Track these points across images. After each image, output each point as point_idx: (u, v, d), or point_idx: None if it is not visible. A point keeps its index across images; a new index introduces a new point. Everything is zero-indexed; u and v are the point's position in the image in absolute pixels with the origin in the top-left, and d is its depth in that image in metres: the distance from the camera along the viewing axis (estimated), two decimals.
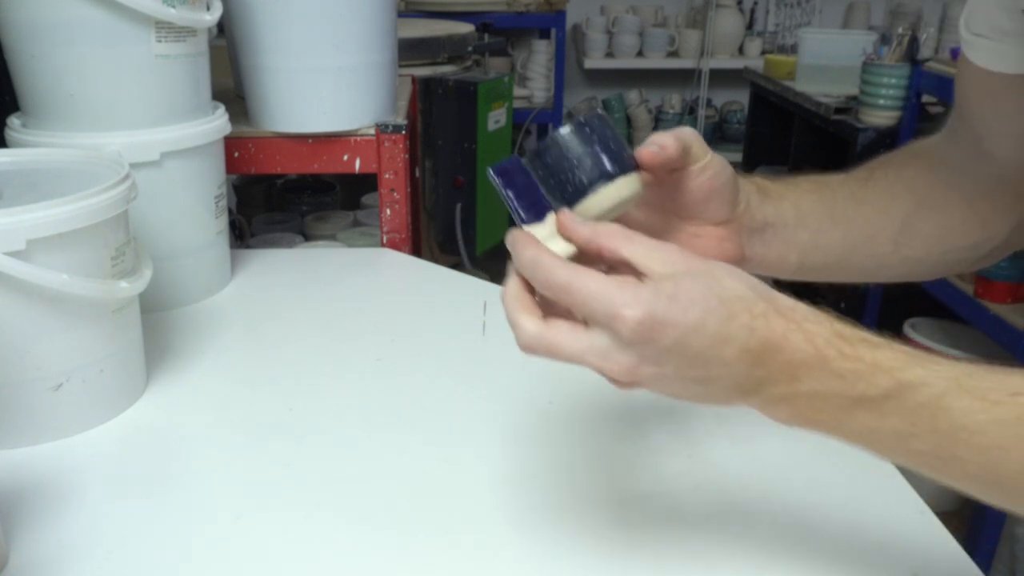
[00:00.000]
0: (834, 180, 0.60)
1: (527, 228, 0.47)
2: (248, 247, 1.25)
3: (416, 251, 1.20)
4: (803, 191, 0.58)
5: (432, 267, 1.06)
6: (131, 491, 0.61)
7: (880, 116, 2.04)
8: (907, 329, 1.81)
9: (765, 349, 0.41)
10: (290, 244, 1.32)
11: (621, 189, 0.48)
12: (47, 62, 0.79)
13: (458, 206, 1.92)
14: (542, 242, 0.45)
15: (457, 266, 1.81)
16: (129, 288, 0.68)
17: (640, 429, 0.68)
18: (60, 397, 0.65)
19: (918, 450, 0.41)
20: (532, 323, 0.43)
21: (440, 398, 0.74)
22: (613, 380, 0.43)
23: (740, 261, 0.55)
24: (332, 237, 1.37)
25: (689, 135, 0.50)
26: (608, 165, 0.47)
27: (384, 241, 1.12)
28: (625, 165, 0.48)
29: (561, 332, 0.43)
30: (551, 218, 0.48)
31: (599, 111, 0.50)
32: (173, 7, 0.80)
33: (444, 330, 0.86)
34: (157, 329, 0.83)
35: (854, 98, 2.14)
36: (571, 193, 0.47)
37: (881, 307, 1.94)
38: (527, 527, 0.57)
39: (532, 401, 0.72)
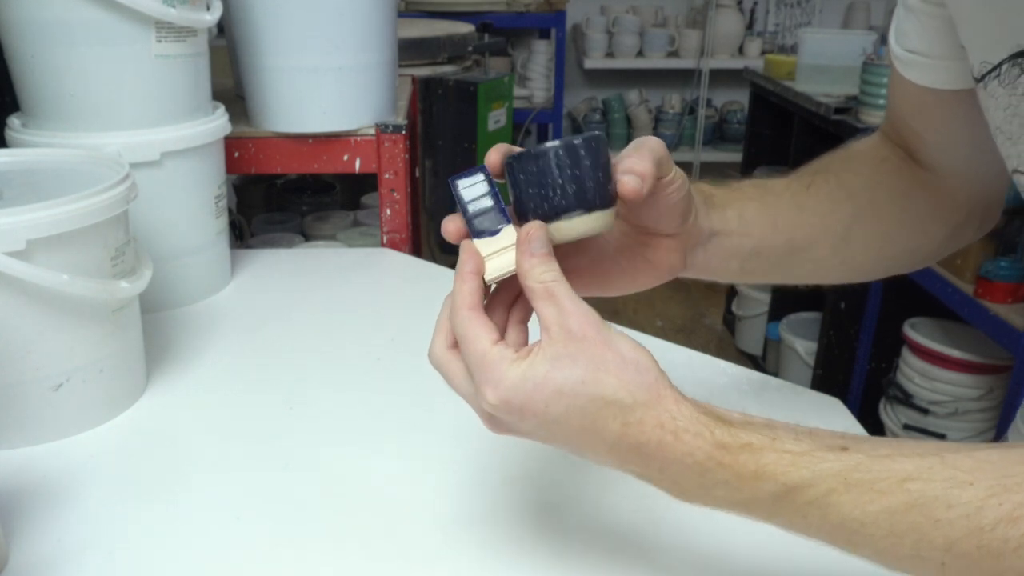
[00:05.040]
0: (778, 185, 0.60)
1: (480, 242, 0.46)
2: (248, 247, 1.25)
3: (416, 251, 1.20)
4: (747, 198, 0.58)
5: (432, 267, 1.06)
6: (131, 491, 0.61)
7: (880, 116, 2.03)
8: (907, 329, 1.81)
9: (637, 455, 0.42)
10: (290, 244, 1.31)
11: (596, 222, 0.47)
12: (47, 62, 0.79)
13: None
14: (484, 255, 0.46)
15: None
16: (129, 288, 0.68)
17: None
18: (60, 397, 0.65)
19: (816, 536, 0.41)
20: (440, 346, 0.46)
21: (440, 398, 0.74)
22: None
23: (682, 269, 0.55)
24: (332, 237, 1.37)
25: (659, 151, 0.48)
26: (592, 195, 0.46)
27: (384, 241, 1.12)
28: (607, 199, 0.47)
29: (455, 370, 0.45)
30: (506, 232, 0.46)
31: (598, 133, 0.48)
32: (173, 7, 0.80)
33: None
34: (157, 329, 0.83)
35: (854, 98, 2.13)
36: (546, 210, 0.46)
37: (881, 307, 1.94)
38: (527, 527, 0.57)
39: None
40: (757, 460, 0.40)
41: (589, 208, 0.46)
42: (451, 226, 0.47)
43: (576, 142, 0.45)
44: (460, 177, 0.47)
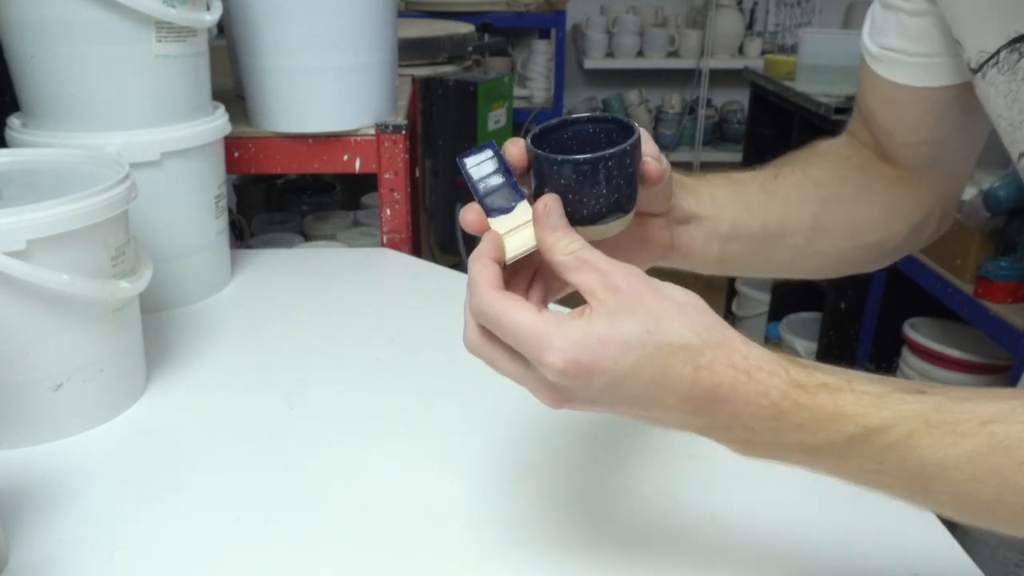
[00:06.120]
0: (745, 176, 0.60)
1: (495, 220, 0.44)
2: (248, 247, 1.25)
3: (416, 251, 1.20)
4: (716, 185, 0.58)
5: (432, 267, 1.06)
6: (131, 491, 0.61)
7: None
8: (907, 329, 1.81)
9: (710, 399, 0.40)
10: (290, 244, 1.31)
11: (621, 226, 0.46)
12: (47, 62, 0.79)
13: (458, 206, 1.92)
14: (500, 234, 0.44)
15: (457, 266, 1.80)
16: (129, 288, 0.68)
17: (641, 427, 0.68)
18: (60, 397, 0.65)
19: (888, 484, 0.40)
20: (474, 332, 0.43)
21: (440, 398, 0.74)
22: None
23: (671, 250, 0.55)
24: (332, 237, 1.37)
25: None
26: (631, 197, 0.45)
27: (384, 241, 1.12)
28: (635, 202, 0.46)
29: (498, 353, 0.42)
30: (522, 207, 0.44)
31: (633, 125, 0.45)
32: (173, 7, 0.80)
33: (444, 330, 0.86)
34: (157, 329, 0.83)
35: (854, 98, 2.14)
36: (584, 216, 0.44)
37: (881, 307, 1.94)
38: (528, 526, 0.57)
39: (532, 400, 0.72)
40: (835, 400, 0.39)
41: (626, 210, 0.45)
42: (470, 216, 0.45)
43: (626, 148, 0.43)
44: (468, 155, 0.46)
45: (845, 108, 2.13)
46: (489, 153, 0.46)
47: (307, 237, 1.39)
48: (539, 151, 0.44)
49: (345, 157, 1.07)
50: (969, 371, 1.70)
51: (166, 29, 0.81)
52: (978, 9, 0.51)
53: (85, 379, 0.66)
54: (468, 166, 0.46)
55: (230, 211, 1.19)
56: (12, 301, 0.61)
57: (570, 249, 0.42)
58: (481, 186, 0.45)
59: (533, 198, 0.45)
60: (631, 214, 0.46)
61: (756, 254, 0.59)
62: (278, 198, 1.59)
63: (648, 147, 0.46)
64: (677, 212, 0.54)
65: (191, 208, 0.89)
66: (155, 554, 0.55)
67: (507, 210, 0.44)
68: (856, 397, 0.39)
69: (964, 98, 0.57)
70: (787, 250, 0.60)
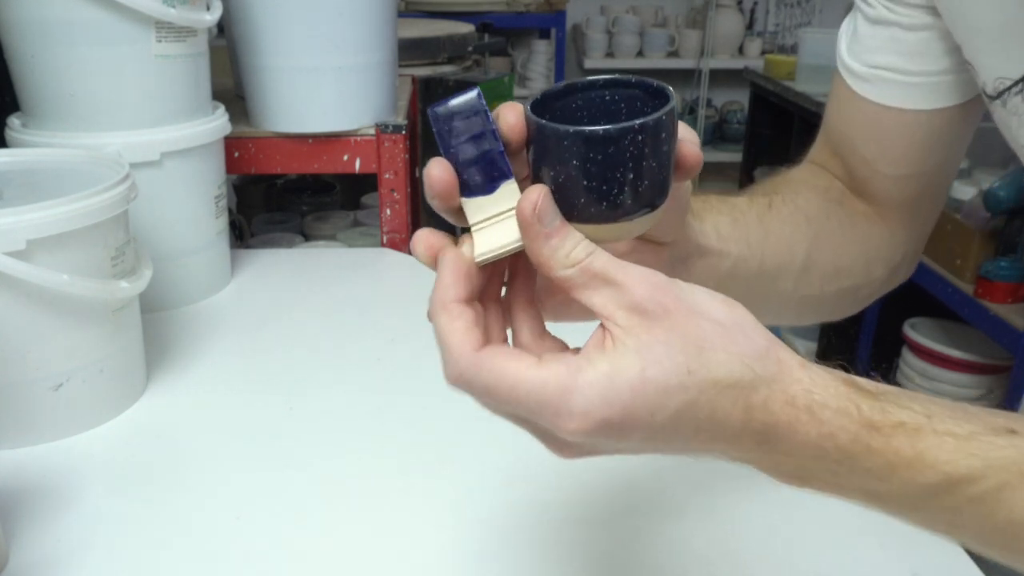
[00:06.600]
0: (740, 202, 0.53)
1: (470, 201, 0.34)
2: (248, 247, 1.25)
3: None
4: (717, 211, 0.49)
5: None
6: (131, 491, 0.61)
7: None
8: (907, 329, 1.81)
9: (762, 440, 0.33)
10: (290, 244, 1.31)
11: (646, 225, 0.35)
12: (47, 62, 0.79)
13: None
14: (471, 223, 0.34)
15: None
16: (129, 288, 0.68)
17: None
18: (60, 397, 0.65)
19: (961, 534, 0.35)
20: (467, 350, 0.33)
21: (440, 398, 0.74)
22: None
23: None
24: (332, 237, 1.37)
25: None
26: (663, 187, 0.34)
27: (384, 241, 1.12)
28: (667, 193, 0.35)
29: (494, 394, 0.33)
30: (507, 188, 0.34)
31: (664, 88, 0.34)
32: (173, 7, 0.80)
33: None
34: (157, 329, 0.83)
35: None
36: (603, 211, 0.33)
37: (881, 307, 1.94)
38: (528, 528, 0.57)
39: None
40: (914, 444, 0.32)
41: (656, 204, 0.34)
42: (437, 171, 0.34)
43: (661, 119, 0.32)
44: (443, 104, 0.33)
45: None
46: (473, 104, 0.33)
47: (307, 237, 1.39)
48: (542, 121, 0.32)
49: (345, 157, 1.07)
50: (969, 371, 1.70)
51: (166, 29, 0.80)
52: (999, 33, 0.46)
53: (85, 379, 0.66)
54: (440, 119, 0.33)
55: (230, 211, 1.19)
56: (12, 301, 0.61)
57: (573, 259, 0.33)
58: (457, 151, 0.33)
59: (531, 182, 0.35)
60: (660, 210, 0.35)
61: (749, 296, 0.50)
62: (278, 198, 1.59)
63: (681, 128, 0.36)
64: (684, 242, 0.44)
65: (191, 208, 0.89)
66: (155, 554, 0.55)
67: (487, 189, 0.34)
68: (939, 440, 0.33)
69: (962, 119, 0.53)
70: (776, 295, 0.54)
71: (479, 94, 0.33)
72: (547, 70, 3.24)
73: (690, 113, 3.68)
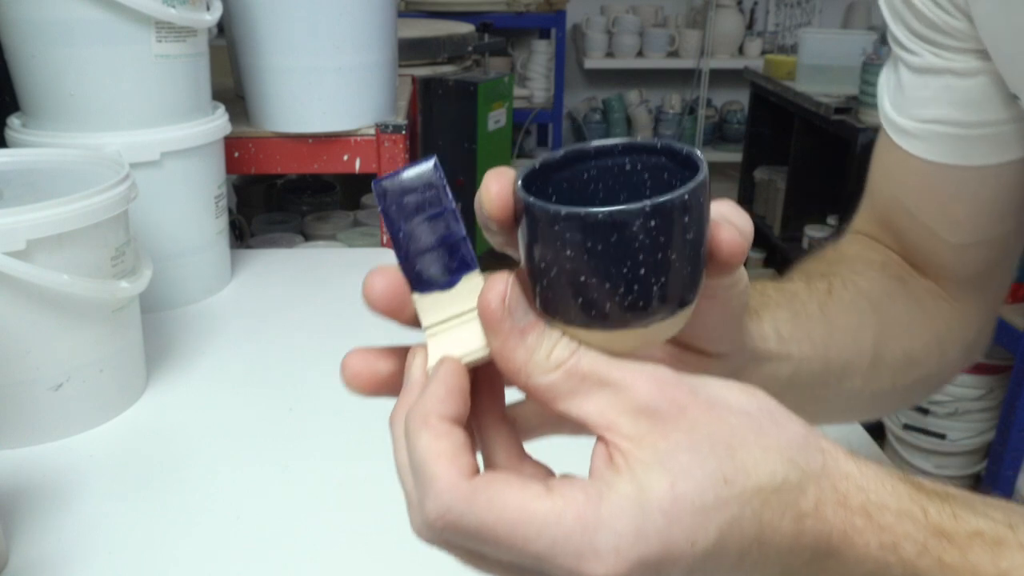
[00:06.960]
0: (800, 290, 0.45)
1: (423, 298, 0.28)
2: (248, 247, 1.25)
3: None
4: (775, 304, 0.41)
5: None
6: (131, 491, 0.61)
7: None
8: None
9: (813, 557, 0.27)
10: (290, 244, 1.32)
11: (671, 330, 0.28)
12: (47, 62, 0.79)
13: (458, 206, 1.92)
14: (425, 325, 0.28)
15: None
16: (129, 288, 0.68)
17: None
18: (60, 397, 0.65)
19: None
20: (455, 479, 0.27)
21: None
22: None
23: None
24: (332, 237, 1.37)
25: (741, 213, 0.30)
26: (692, 282, 0.27)
27: (384, 241, 1.12)
28: (697, 290, 0.27)
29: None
30: (469, 282, 0.28)
31: (695, 155, 0.27)
32: (173, 7, 0.80)
33: None
34: (157, 329, 0.83)
35: (854, 98, 2.14)
36: (614, 313, 0.26)
37: None
38: None
39: None
40: (996, 561, 0.26)
41: (685, 302, 0.27)
42: (379, 282, 0.29)
43: (685, 197, 0.25)
44: (392, 177, 0.27)
45: (845, 108, 2.13)
46: (429, 177, 0.27)
47: (307, 237, 1.39)
48: (529, 198, 0.26)
49: (345, 157, 1.07)
50: (969, 371, 1.70)
51: (166, 29, 0.81)
52: None
53: (85, 379, 0.66)
54: (388, 195, 0.27)
55: (230, 211, 1.19)
56: (12, 301, 0.61)
57: (556, 359, 0.27)
58: (409, 235, 0.28)
59: (523, 272, 0.28)
60: (687, 312, 0.27)
61: (808, 403, 0.43)
62: (278, 198, 1.59)
63: (724, 204, 0.29)
64: (739, 352, 0.36)
65: (191, 208, 0.89)
66: (155, 554, 0.55)
67: (445, 283, 0.28)
68: None
69: None
70: (842, 397, 0.46)
71: (436, 164, 0.27)
72: (547, 70, 3.24)
73: (690, 113, 3.68)
